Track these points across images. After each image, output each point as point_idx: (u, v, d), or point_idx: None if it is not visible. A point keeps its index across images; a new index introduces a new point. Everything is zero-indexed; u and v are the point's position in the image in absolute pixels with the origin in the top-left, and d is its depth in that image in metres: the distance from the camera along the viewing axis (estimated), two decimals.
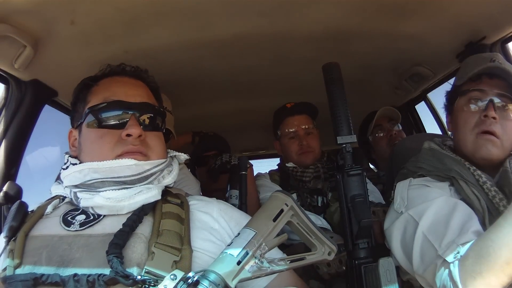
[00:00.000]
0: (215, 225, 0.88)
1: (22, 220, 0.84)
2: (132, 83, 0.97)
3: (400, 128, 2.13)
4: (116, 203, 0.83)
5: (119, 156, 0.87)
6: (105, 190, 0.84)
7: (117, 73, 0.99)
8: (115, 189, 0.85)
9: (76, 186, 0.87)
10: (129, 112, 0.91)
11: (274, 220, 0.79)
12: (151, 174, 0.88)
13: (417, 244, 0.92)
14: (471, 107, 1.04)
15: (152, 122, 0.94)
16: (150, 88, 1.00)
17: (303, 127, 1.78)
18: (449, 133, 1.14)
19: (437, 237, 0.90)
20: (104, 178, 0.85)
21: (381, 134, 2.10)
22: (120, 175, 0.85)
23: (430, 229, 0.92)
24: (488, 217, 0.96)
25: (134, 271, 0.74)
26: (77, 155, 0.93)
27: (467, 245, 0.82)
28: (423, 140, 1.22)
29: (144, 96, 0.96)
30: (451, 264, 0.81)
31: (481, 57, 1.08)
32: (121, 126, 0.90)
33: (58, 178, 0.96)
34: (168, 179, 0.92)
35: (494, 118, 0.99)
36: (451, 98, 1.13)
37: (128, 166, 0.85)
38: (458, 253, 0.82)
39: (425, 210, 0.96)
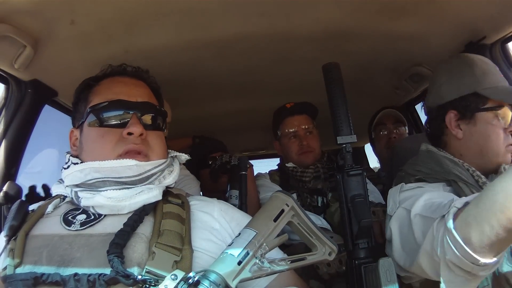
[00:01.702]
0: (216, 225, 0.88)
1: (22, 220, 0.84)
2: (133, 83, 0.97)
3: (407, 131, 2.14)
4: (117, 203, 0.84)
5: (121, 155, 0.87)
6: (106, 190, 0.84)
7: (119, 73, 0.99)
8: (116, 189, 0.85)
9: (77, 186, 0.87)
10: (131, 112, 0.91)
11: (275, 220, 0.79)
12: (152, 175, 0.88)
13: (417, 226, 0.92)
14: (500, 122, 1.08)
15: (153, 122, 0.95)
16: (151, 89, 1.01)
17: (303, 127, 1.78)
18: (460, 136, 1.10)
19: (432, 211, 0.88)
20: (105, 177, 0.85)
21: (385, 132, 2.12)
22: (122, 176, 0.85)
23: (423, 208, 0.92)
24: None
25: (134, 271, 0.74)
26: (78, 155, 0.93)
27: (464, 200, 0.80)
28: (423, 140, 1.22)
29: (145, 96, 0.96)
30: (446, 216, 0.79)
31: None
32: (122, 125, 0.90)
33: None
34: (169, 179, 0.92)
35: None
36: (469, 106, 1.09)
37: (129, 166, 0.85)
38: (454, 207, 0.80)
39: (417, 199, 0.96)
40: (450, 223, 0.76)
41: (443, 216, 0.82)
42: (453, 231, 0.75)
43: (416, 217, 0.92)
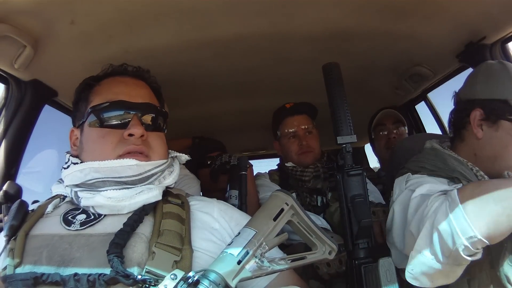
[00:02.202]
0: (216, 225, 0.88)
1: (22, 219, 0.84)
2: (134, 83, 0.97)
3: (406, 131, 2.15)
4: (117, 203, 0.84)
5: (121, 156, 0.87)
6: (106, 190, 0.84)
7: (119, 73, 0.99)
8: (116, 189, 0.85)
9: (77, 186, 0.87)
10: (131, 112, 0.91)
11: (275, 219, 0.79)
12: (152, 175, 0.88)
13: (413, 203, 0.94)
14: None
15: (154, 123, 0.95)
16: (151, 89, 1.00)
17: (303, 127, 1.78)
18: (479, 136, 1.09)
19: (435, 191, 0.92)
20: (105, 177, 0.85)
21: (384, 133, 2.13)
22: (122, 175, 0.85)
23: (428, 191, 0.94)
24: None
25: (134, 270, 0.74)
26: (78, 155, 0.93)
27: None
28: (423, 140, 1.22)
29: (146, 96, 0.96)
30: (451, 191, 0.84)
31: None
32: (123, 126, 0.90)
33: None
34: (169, 180, 0.92)
35: None
36: (496, 111, 1.09)
37: (129, 166, 0.85)
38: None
39: (423, 183, 0.99)
40: (455, 194, 0.82)
41: (443, 192, 0.88)
42: (457, 199, 0.80)
43: (417, 197, 0.95)
